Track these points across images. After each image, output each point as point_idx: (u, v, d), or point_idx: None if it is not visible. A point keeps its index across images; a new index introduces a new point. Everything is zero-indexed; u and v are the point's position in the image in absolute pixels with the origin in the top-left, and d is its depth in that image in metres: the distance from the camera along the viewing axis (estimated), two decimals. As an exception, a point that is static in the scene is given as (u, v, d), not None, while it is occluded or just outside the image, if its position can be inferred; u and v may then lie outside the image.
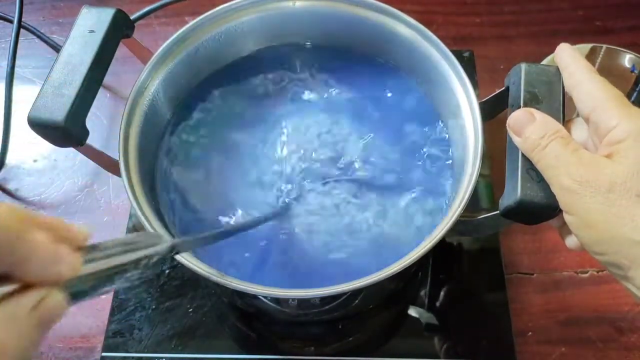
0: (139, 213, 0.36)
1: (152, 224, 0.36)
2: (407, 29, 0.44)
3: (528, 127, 0.32)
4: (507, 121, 0.33)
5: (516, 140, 0.33)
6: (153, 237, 0.25)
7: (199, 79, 0.48)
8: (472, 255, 0.51)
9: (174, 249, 0.26)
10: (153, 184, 0.43)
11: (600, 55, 0.52)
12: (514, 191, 0.32)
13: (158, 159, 0.45)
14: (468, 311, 0.48)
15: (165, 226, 0.39)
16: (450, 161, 0.44)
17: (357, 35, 0.47)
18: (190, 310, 0.47)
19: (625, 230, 0.27)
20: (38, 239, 0.18)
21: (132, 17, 0.48)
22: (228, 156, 0.45)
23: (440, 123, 0.46)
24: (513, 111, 0.34)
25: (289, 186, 0.43)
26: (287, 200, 0.43)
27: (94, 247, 0.22)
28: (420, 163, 0.44)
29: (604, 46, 0.52)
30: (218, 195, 0.43)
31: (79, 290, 0.20)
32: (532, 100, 0.35)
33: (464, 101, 0.41)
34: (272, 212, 0.42)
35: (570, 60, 0.33)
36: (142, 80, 0.42)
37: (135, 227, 0.52)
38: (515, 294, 0.48)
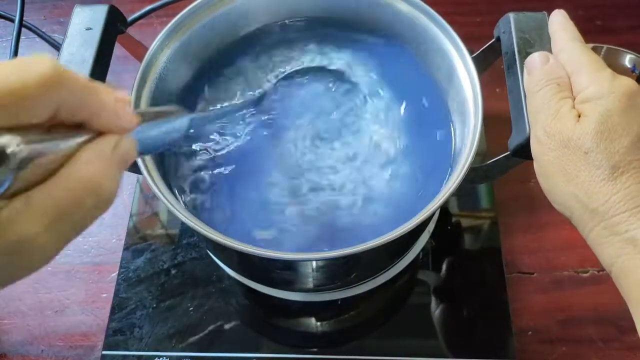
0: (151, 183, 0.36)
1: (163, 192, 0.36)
2: (405, 4, 0.45)
3: (539, 68, 0.34)
4: (526, 60, 0.36)
5: (525, 78, 0.35)
6: (174, 111, 0.28)
7: (208, 54, 0.48)
8: (473, 255, 0.51)
9: (192, 121, 0.29)
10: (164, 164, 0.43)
11: (601, 55, 0.52)
12: (523, 129, 0.34)
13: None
14: (469, 310, 0.48)
15: (175, 197, 0.39)
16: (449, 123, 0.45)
17: (358, 11, 0.48)
18: (191, 309, 0.47)
19: (570, 186, 0.30)
20: (105, 95, 0.21)
21: (133, 17, 0.48)
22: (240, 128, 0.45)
23: (437, 86, 0.46)
24: (507, 58, 0.37)
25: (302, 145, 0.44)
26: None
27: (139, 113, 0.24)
28: (421, 124, 0.45)
29: (605, 46, 0.52)
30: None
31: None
32: (525, 45, 0.37)
33: (458, 60, 0.42)
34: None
35: (557, 27, 0.36)
36: (155, 48, 0.42)
37: (136, 227, 0.52)
38: (515, 294, 0.49)
